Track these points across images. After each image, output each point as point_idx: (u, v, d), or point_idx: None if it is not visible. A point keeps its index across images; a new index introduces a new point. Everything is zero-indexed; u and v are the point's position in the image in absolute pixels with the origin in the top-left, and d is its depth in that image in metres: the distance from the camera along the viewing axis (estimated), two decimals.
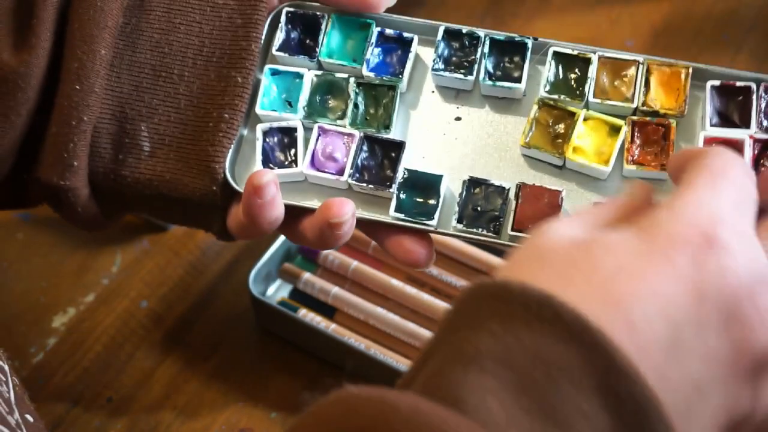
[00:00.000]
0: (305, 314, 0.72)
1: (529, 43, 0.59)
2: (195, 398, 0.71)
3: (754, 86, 0.57)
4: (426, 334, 0.70)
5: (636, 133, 0.57)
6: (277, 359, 0.72)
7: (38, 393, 0.70)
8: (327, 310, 0.73)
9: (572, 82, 0.58)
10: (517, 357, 0.38)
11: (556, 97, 0.58)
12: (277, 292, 0.75)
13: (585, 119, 0.57)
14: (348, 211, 0.56)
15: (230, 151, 0.58)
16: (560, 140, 0.57)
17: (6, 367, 0.56)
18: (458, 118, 0.59)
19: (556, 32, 0.88)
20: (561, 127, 0.57)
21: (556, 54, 0.59)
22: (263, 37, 0.60)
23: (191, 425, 0.69)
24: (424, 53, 0.61)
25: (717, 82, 0.58)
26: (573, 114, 0.57)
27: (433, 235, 0.58)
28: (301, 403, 0.71)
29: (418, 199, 0.57)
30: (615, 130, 0.57)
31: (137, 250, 0.77)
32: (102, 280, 0.76)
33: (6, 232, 0.79)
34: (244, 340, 0.73)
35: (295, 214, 0.58)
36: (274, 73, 0.60)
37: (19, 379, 0.57)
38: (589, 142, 0.57)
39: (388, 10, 0.61)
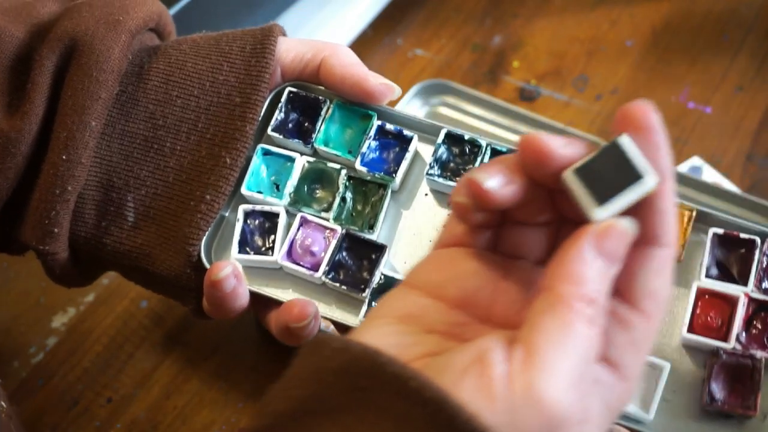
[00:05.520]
0: None
1: None
2: (195, 398, 0.70)
3: (758, 240, 0.55)
4: None
5: None
6: (277, 359, 0.72)
7: (38, 393, 0.70)
8: None
9: None
10: None
11: None
12: None
13: None
14: (309, 314, 0.54)
15: (208, 232, 0.57)
16: None
17: None
18: None
19: (556, 32, 0.88)
20: None
21: None
22: (261, 116, 0.58)
23: (191, 425, 0.69)
24: (426, 151, 0.57)
25: (720, 231, 0.55)
26: None
27: None
28: None
29: None
30: None
31: None
32: (102, 280, 0.76)
33: None
34: (244, 340, 0.73)
35: (265, 300, 0.57)
36: (266, 153, 0.58)
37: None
38: None
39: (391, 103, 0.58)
